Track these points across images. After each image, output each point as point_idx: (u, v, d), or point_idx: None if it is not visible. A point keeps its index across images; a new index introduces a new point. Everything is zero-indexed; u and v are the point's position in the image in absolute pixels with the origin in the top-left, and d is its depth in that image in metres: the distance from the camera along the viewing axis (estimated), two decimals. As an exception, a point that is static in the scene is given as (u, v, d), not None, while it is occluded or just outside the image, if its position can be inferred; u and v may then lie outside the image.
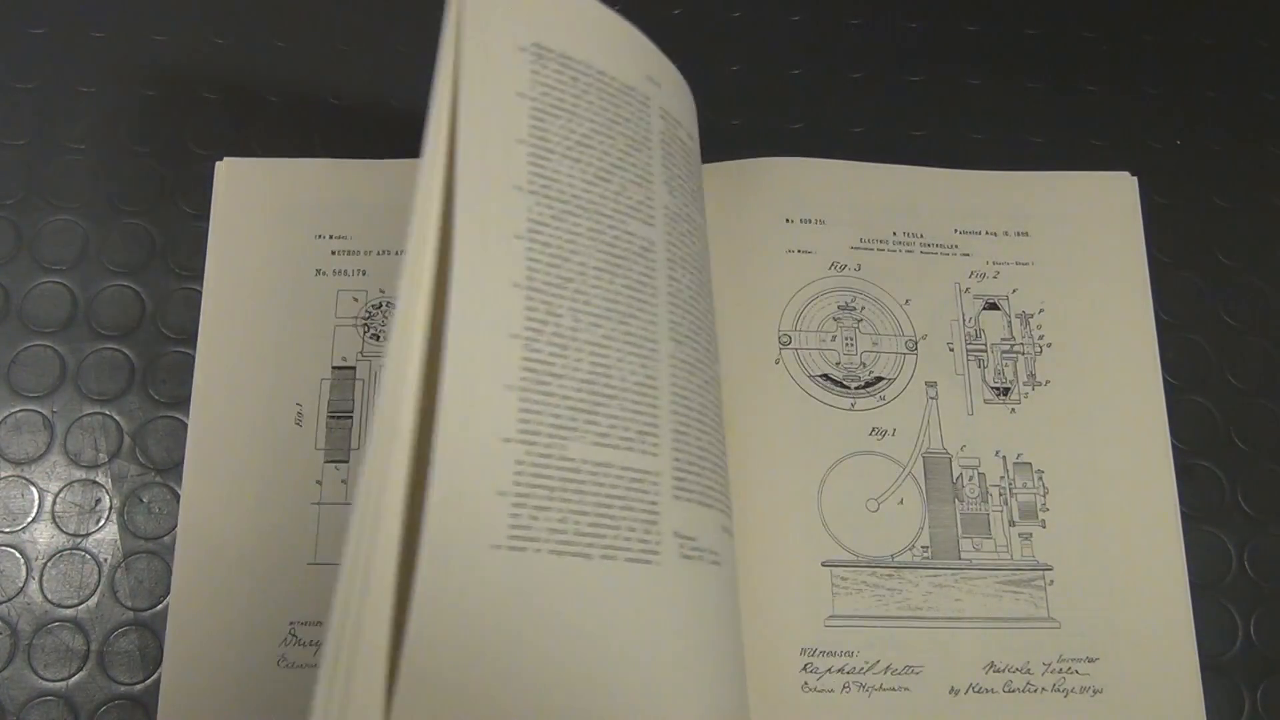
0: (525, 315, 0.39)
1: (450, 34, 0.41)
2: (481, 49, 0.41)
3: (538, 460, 0.38)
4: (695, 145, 0.49)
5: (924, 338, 0.54)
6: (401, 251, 0.38)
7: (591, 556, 0.38)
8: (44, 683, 0.48)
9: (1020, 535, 0.51)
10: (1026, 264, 0.55)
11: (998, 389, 0.53)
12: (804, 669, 0.48)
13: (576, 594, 0.38)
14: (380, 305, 0.54)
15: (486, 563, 0.36)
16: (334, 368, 0.53)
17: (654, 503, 0.40)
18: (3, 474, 0.51)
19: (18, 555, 0.50)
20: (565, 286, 0.40)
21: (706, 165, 0.55)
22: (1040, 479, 0.52)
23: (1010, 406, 0.53)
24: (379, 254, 0.54)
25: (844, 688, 0.48)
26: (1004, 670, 0.49)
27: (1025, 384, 0.53)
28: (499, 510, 0.37)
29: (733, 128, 0.58)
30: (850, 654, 0.49)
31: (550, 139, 0.42)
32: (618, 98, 0.44)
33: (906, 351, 0.54)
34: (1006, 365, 0.54)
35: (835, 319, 0.54)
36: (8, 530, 0.50)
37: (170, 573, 0.49)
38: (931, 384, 0.53)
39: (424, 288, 0.38)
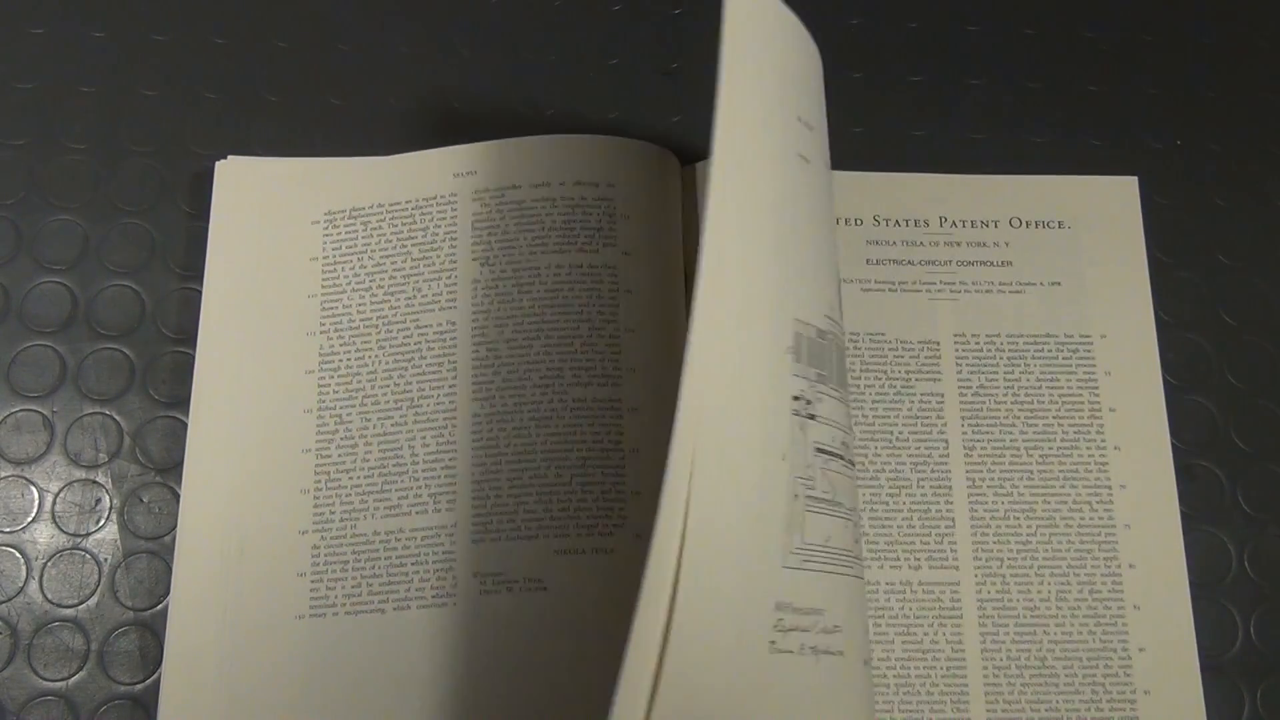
0: (316, 432, 0.50)
1: (255, 216, 0.53)
2: (279, 227, 0.53)
3: (331, 542, 0.49)
4: (550, 191, 0.53)
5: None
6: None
7: (385, 610, 0.48)
8: (44, 683, 0.48)
9: (1020, 535, 0.51)
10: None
11: (998, 389, 0.53)
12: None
13: (372, 644, 0.47)
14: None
15: (292, 630, 0.48)
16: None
17: (449, 552, 0.48)
18: (3, 474, 0.51)
19: (18, 555, 0.50)
20: (354, 397, 0.51)
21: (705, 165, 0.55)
22: (1040, 479, 0.52)
23: (1010, 406, 0.53)
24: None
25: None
26: (1004, 670, 0.49)
27: (1025, 384, 0.53)
28: (300, 588, 0.48)
29: (733, 128, 0.58)
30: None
31: (340, 283, 0.52)
32: (412, 215, 0.53)
33: (906, 351, 0.54)
34: (1006, 365, 0.54)
35: (835, 319, 0.54)
36: (8, 530, 0.50)
37: (170, 573, 0.49)
38: (931, 384, 0.53)
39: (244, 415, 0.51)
